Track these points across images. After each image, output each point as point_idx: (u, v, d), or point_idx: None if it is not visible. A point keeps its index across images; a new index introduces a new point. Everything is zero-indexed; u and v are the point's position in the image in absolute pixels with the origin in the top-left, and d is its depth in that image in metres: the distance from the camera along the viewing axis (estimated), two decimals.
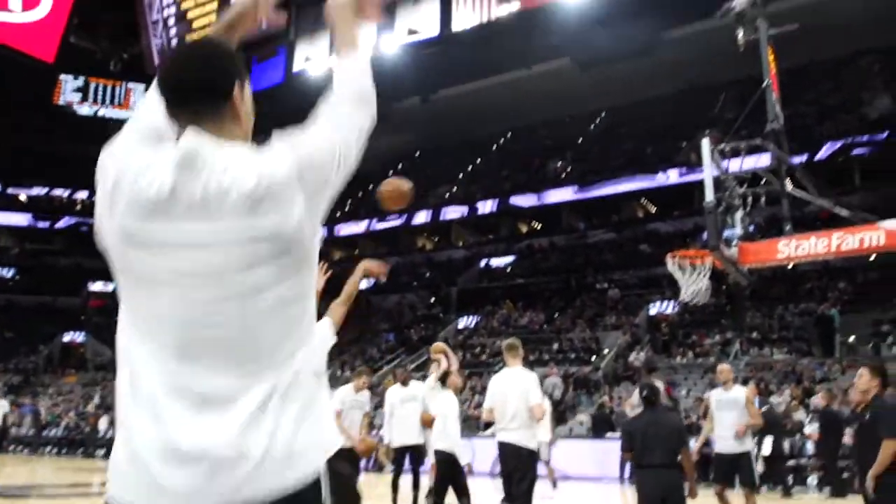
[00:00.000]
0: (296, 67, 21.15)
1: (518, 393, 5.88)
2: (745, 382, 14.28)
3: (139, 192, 1.33)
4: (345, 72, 1.58)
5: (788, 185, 6.87)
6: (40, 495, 11.81)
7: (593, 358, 21.92)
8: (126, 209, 1.34)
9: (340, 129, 1.48)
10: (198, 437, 1.21)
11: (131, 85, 29.14)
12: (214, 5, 10.62)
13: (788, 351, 19.52)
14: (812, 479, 12.45)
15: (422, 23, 27.22)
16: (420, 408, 8.36)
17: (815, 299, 21.51)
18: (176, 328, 1.27)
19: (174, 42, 10.97)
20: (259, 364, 1.27)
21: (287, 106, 29.56)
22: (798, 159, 21.99)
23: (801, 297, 22.02)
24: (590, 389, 19.69)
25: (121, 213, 1.35)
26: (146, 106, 1.55)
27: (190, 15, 10.69)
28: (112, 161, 1.43)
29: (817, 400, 14.11)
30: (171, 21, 10.97)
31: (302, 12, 16.37)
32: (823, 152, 23.81)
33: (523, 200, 31.76)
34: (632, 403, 11.37)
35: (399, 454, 8.61)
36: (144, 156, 1.38)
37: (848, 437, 12.52)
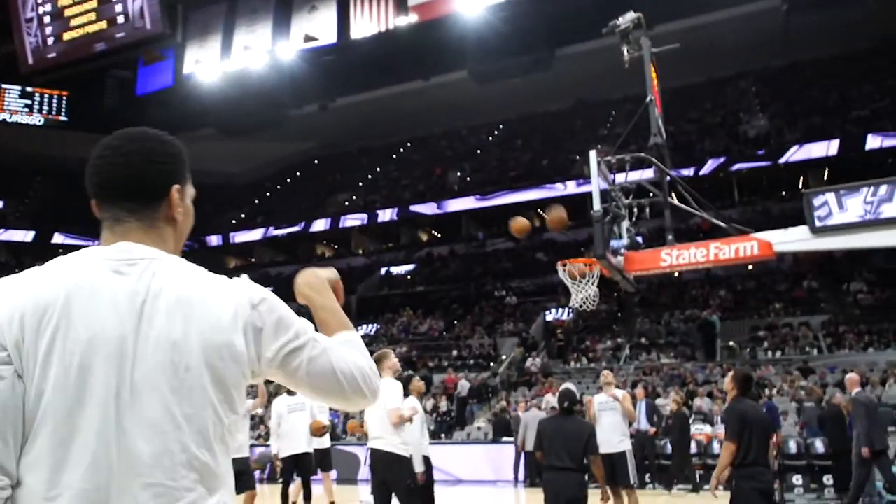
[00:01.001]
0: (185, 69, 20.42)
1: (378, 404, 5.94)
2: (634, 386, 14.86)
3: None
4: (352, 356, 1.43)
5: (673, 198, 7.20)
6: None
7: (491, 364, 22.23)
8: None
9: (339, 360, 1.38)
10: None
11: (5, 86, 27.34)
12: (94, 3, 10.07)
13: (674, 355, 20.46)
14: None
15: (319, 30, 26.90)
16: (308, 417, 8.26)
17: (698, 306, 22.68)
18: None
19: (50, 41, 10.32)
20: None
21: (175, 108, 28.58)
22: (684, 173, 23.25)
23: (686, 303, 23.17)
24: (487, 395, 19.94)
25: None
26: None
27: (67, 13, 10.05)
28: None
29: (699, 402, 14.89)
30: (47, 19, 10.30)
31: (191, 16, 15.82)
32: (707, 168, 25.22)
33: (423, 209, 31.91)
34: (547, 408, 11.62)
35: (287, 464, 8.44)
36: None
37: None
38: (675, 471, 12.41)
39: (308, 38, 24.93)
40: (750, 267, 22.05)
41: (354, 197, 35.14)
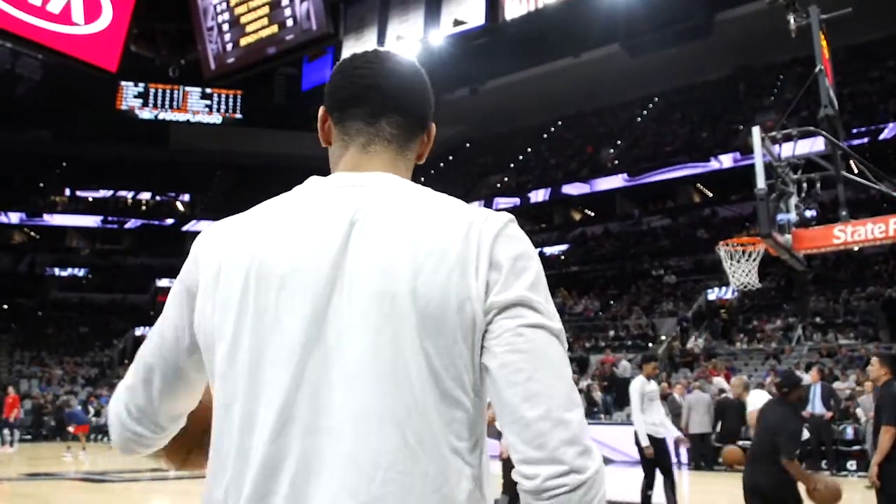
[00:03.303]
0: None
1: None
2: (807, 368, 14.02)
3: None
4: None
5: (853, 169, 6.76)
6: (122, 480, 12.43)
7: (650, 345, 21.73)
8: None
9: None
10: None
11: (188, 89, 30.09)
12: (266, 9, 10.92)
13: (854, 336, 18.98)
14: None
15: (468, 13, 27.19)
16: None
17: (882, 283, 20.84)
18: None
19: (229, 46, 11.34)
20: None
21: None
22: (863, 139, 21.32)
23: (868, 280, 21.36)
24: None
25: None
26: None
27: (243, 20, 10.97)
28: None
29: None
30: (226, 27, 11.30)
31: (349, 11, 16.59)
32: (889, 132, 22.95)
33: (576, 188, 31.55)
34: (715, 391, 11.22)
35: None
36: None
37: None
38: None
39: (457, 22, 25.33)
40: None
41: (506, 179, 35.39)
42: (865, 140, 21.88)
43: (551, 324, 0.96)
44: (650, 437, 7.00)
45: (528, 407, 0.92)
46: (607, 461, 14.86)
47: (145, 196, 40.16)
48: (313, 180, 1.08)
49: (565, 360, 0.98)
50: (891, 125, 23.07)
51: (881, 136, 22.68)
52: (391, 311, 0.95)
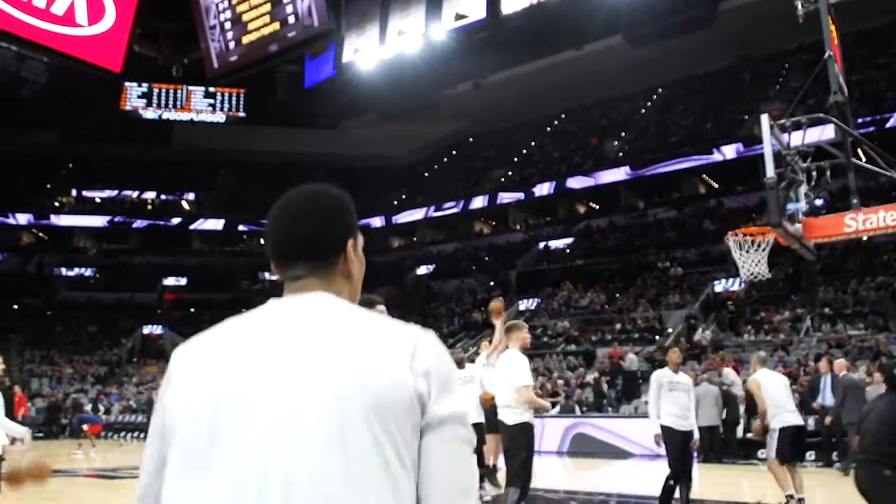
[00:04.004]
0: (345, 59, 21.44)
1: (505, 377, 6.04)
2: (817, 359, 13.94)
3: None
4: None
5: (861, 157, 6.69)
6: (132, 476, 12.46)
7: (657, 337, 21.66)
8: None
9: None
10: None
11: (192, 88, 30.11)
12: (268, 7, 10.89)
13: (864, 326, 18.87)
14: None
15: (469, 7, 27.12)
16: (478, 389, 8.55)
17: (891, 272, 20.71)
18: None
19: (231, 45, 11.30)
20: None
21: (338, 97, 30.05)
22: (869, 126, 21.17)
23: (877, 270, 21.23)
24: (655, 368, 19.50)
25: None
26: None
27: (245, 17, 10.92)
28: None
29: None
30: (228, 25, 11.24)
31: (351, 6, 16.56)
32: (894, 121, 22.79)
33: (580, 181, 31.46)
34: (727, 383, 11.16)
35: None
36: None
37: None
38: None
39: (458, 17, 25.21)
40: None
41: (510, 173, 35.31)
42: (871, 129, 21.72)
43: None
44: (668, 428, 6.97)
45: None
46: (627, 455, 14.84)
47: (150, 195, 40.22)
48: (272, 303, 1.28)
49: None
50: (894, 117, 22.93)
51: (888, 125, 22.53)
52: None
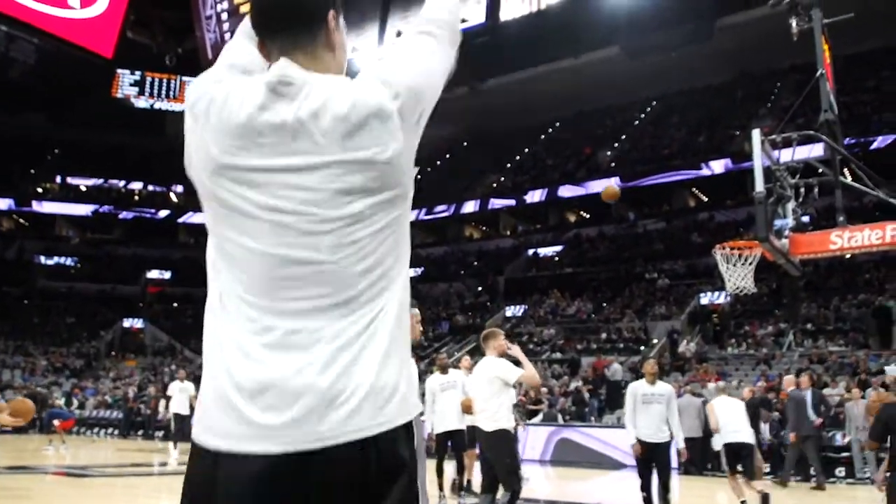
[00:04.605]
0: None
1: (485, 380, 6.05)
2: (798, 374, 14.03)
3: (228, 118, 1.25)
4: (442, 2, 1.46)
5: (846, 176, 6.74)
6: (103, 475, 12.33)
7: (642, 348, 21.74)
8: (215, 137, 1.26)
9: (437, 58, 1.38)
10: (283, 374, 1.18)
11: (186, 78, 29.96)
12: None
13: (844, 343, 19.04)
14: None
15: (469, 11, 27.19)
16: (460, 395, 8.53)
17: (872, 290, 20.91)
18: (265, 262, 1.22)
19: (227, 36, 11.26)
20: (347, 302, 1.22)
21: None
22: (854, 148, 21.37)
23: (859, 287, 21.43)
24: (638, 378, 19.58)
25: (210, 141, 1.26)
26: (234, 46, 1.51)
27: (243, 9, 10.89)
28: (201, 89, 1.32)
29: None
30: (225, 16, 11.25)
31: (351, 3, 16.61)
32: (880, 141, 23.05)
33: (572, 190, 31.55)
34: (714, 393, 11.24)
35: (441, 440, 8.78)
36: (234, 83, 1.32)
37: None
38: None
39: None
40: None
41: (503, 179, 35.36)
42: (857, 150, 21.94)
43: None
44: (638, 440, 6.98)
45: None
46: (619, 465, 14.77)
47: (138, 186, 39.87)
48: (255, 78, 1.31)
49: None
50: (881, 137, 23.17)
51: (872, 147, 22.78)
52: None
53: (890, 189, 6.25)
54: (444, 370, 8.89)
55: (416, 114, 1.34)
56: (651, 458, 6.97)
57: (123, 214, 38.65)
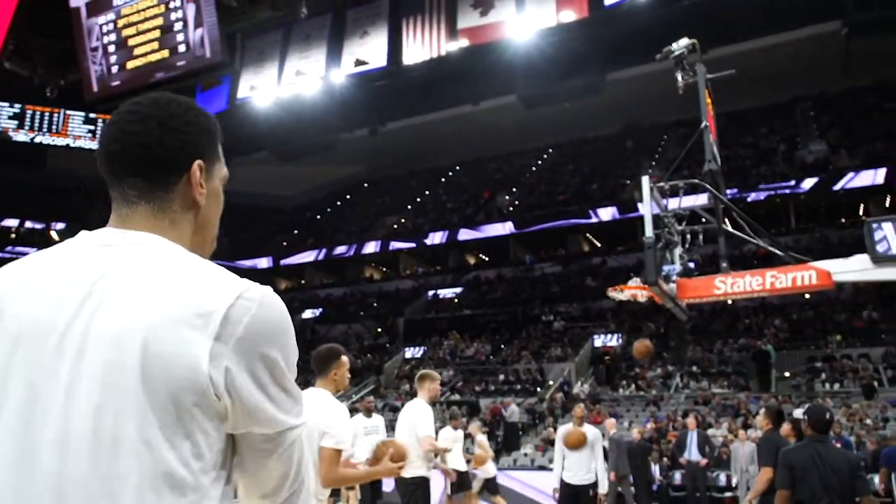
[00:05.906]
0: (240, 94, 20.95)
1: (406, 426, 5.92)
2: (685, 415, 14.50)
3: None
4: None
5: (727, 225, 7.06)
6: None
7: (538, 389, 21.98)
8: None
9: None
10: None
11: (70, 112, 28.42)
12: (157, 33, 10.43)
13: (727, 385, 19.92)
14: None
15: (370, 54, 27.38)
16: (382, 439, 8.32)
17: (752, 335, 22.09)
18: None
19: (115, 69, 10.70)
20: None
21: (229, 133, 29.32)
22: (735, 200, 22.82)
23: (740, 332, 22.59)
24: (535, 420, 19.71)
25: None
26: None
27: (131, 42, 10.41)
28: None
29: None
30: (112, 48, 10.70)
31: (248, 43, 16.25)
32: (762, 194, 24.71)
33: (471, 233, 31.95)
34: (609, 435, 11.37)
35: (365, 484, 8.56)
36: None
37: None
38: None
39: (359, 63, 25.32)
40: (807, 296, 21.41)
41: (403, 220, 35.42)
42: (745, 198, 23.49)
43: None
44: (565, 483, 7.13)
45: None
46: None
47: (14, 223, 37.29)
48: (82, 235, 1.07)
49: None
50: (765, 187, 24.88)
51: (749, 199, 24.37)
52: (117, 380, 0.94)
53: (768, 238, 6.58)
54: (368, 413, 8.70)
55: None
56: (576, 500, 7.06)
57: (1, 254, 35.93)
